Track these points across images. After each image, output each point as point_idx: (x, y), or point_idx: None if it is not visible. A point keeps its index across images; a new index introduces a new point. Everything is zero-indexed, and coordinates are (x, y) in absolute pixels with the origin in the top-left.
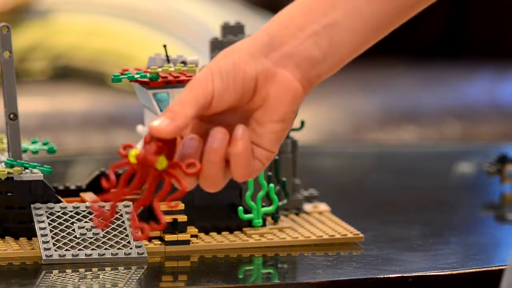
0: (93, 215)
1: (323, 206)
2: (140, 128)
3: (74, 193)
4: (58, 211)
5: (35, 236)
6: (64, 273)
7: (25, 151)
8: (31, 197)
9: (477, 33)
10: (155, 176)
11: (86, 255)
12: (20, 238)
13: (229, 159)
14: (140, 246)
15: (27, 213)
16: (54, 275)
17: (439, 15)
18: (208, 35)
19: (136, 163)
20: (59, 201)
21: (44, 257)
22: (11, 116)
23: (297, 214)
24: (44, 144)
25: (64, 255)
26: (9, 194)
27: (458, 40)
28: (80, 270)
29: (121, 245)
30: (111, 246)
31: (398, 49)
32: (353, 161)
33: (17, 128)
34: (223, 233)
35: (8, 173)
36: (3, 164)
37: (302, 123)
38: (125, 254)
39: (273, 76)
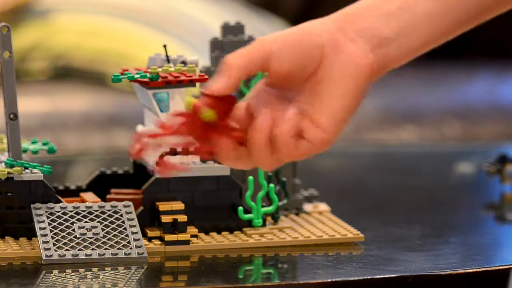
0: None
1: (323, 206)
2: (140, 128)
3: (74, 193)
4: (58, 211)
5: (35, 236)
6: (64, 273)
7: (25, 151)
8: (31, 197)
9: (477, 33)
10: (202, 127)
11: (86, 255)
12: (20, 238)
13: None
14: (140, 246)
15: (27, 213)
16: (54, 275)
17: None
18: (208, 35)
19: (189, 110)
20: (59, 201)
21: (44, 257)
22: (11, 116)
23: (297, 214)
24: (44, 144)
25: (64, 255)
26: (9, 194)
27: (458, 40)
28: (80, 270)
29: (121, 245)
30: (111, 246)
31: None
32: (353, 161)
33: (17, 128)
34: (223, 233)
35: (8, 173)
36: (3, 164)
37: None
38: (125, 254)
39: (340, 47)
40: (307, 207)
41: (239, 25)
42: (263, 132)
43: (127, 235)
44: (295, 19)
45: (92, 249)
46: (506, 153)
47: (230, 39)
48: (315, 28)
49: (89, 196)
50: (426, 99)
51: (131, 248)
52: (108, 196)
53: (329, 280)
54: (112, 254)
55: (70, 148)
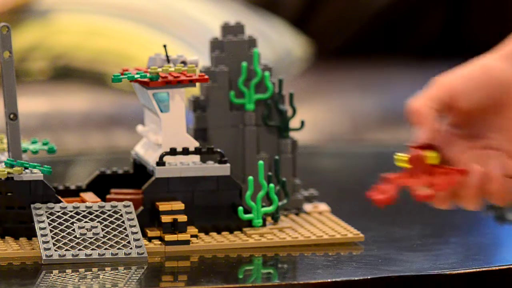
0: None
1: (323, 206)
2: (140, 128)
3: (74, 193)
4: (58, 211)
5: (35, 236)
6: (64, 273)
7: (25, 151)
8: (31, 197)
9: (477, 33)
10: (427, 171)
11: (86, 255)
12: (20, 238)
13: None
14: (140, 246)
15: (27, 213)
16: (54, 275)
17: (439, 15)
18: (208, 35)
19: (409, 164)
20: (59, 201)
21: (44, 257)
22: (11, 116)
23: (297, 214)
24: (44, 144)
25: (64, 255)
26: (9, 194)
27: (457, 40)
28: (80, 270)
29: (121, 245)
30: (111, 246)
31: (398, 49)
32: (353, 161)
33: (17, 128)
34: (223, 233)
35: (8, 173)
36: (3, 164)
37: (302, 123)
38: (125, 254)
39: None
40: (307, 207)
41: (239, 25)
42: (478, 183)
43: (127, 235)
44: (295, 19)
45: (92, 249)
46: None
47: (230, 39)
48: (493, 64)
49: (89, 196)
50: None
51: (131, 248)
52: (108, 196)
53: (329, 280)
54: (112, 254)
55: (70, 148)
